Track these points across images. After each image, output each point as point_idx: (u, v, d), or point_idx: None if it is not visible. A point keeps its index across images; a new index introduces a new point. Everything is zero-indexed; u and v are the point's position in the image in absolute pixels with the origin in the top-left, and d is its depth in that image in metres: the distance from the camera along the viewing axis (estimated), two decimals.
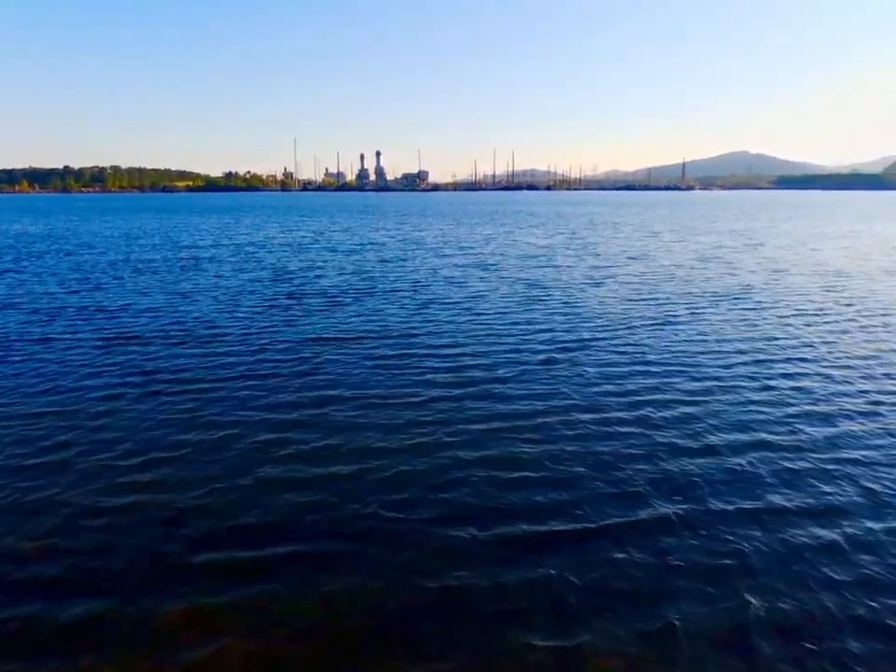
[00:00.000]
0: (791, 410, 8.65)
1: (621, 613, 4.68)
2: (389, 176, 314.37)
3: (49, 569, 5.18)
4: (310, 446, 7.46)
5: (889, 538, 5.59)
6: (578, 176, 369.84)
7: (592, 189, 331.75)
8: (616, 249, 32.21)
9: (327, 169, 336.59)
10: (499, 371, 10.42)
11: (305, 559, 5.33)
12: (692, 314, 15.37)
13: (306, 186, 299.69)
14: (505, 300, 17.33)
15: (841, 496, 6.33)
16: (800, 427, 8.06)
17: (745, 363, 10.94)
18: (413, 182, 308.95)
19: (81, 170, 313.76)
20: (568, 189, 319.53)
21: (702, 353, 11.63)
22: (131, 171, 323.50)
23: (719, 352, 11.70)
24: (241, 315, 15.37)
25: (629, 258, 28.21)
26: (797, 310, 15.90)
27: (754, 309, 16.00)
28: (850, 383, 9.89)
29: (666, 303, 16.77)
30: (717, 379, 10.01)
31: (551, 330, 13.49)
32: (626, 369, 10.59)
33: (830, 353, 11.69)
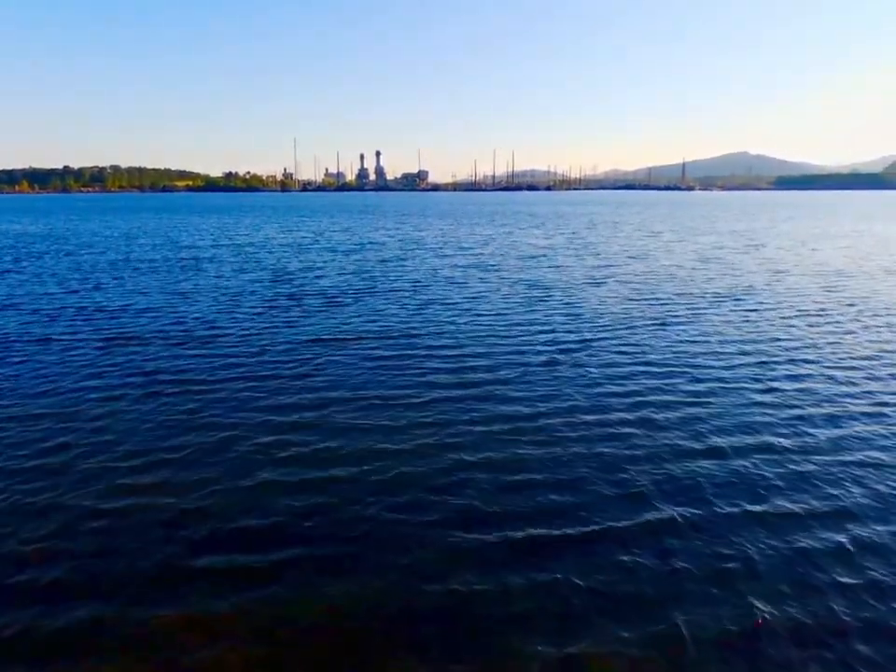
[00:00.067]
0: (795, 411, 8.61)
1: (626, 617, 4.64)
2: (389, 176, 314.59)
3: (50, 573, 5.13)
4: (311, 448, 7.42)
5: None
6: (578, 176, 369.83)
7: (592, 189, 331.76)
8: (617, 249, 32.17)
9: (326, 169, 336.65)
10: (501, 372, 10.38)
11: (307, 562, 5.29)
12: (693, 314, 15.33)
13: (306, 186, 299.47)
14: (506, 300, 17.29)
15: (847, 498, 6.28)
16: (804, 428, 8.02)
17: (748, 364, 10.90)
18: (413, 182, 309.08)
19: (81, 170, 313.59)
20: (568, 188, 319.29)
21: (704, 353, 11.59)
22: (130, 171, 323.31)
23: (721, 353, 11.65)
24: (241, 315, 15.32)
25: (630, 258, 28.18)
26: (800, 310, 15.86)
27: (756, 309, 15.96)
28: (855, 383, 9.84)
29: (668, 304, 16.73)
30: (720, 380, 9.97)
31: (552, 331, 13.46)
32: (629, 369, 10.55)
33: (833, 353, 11.65)
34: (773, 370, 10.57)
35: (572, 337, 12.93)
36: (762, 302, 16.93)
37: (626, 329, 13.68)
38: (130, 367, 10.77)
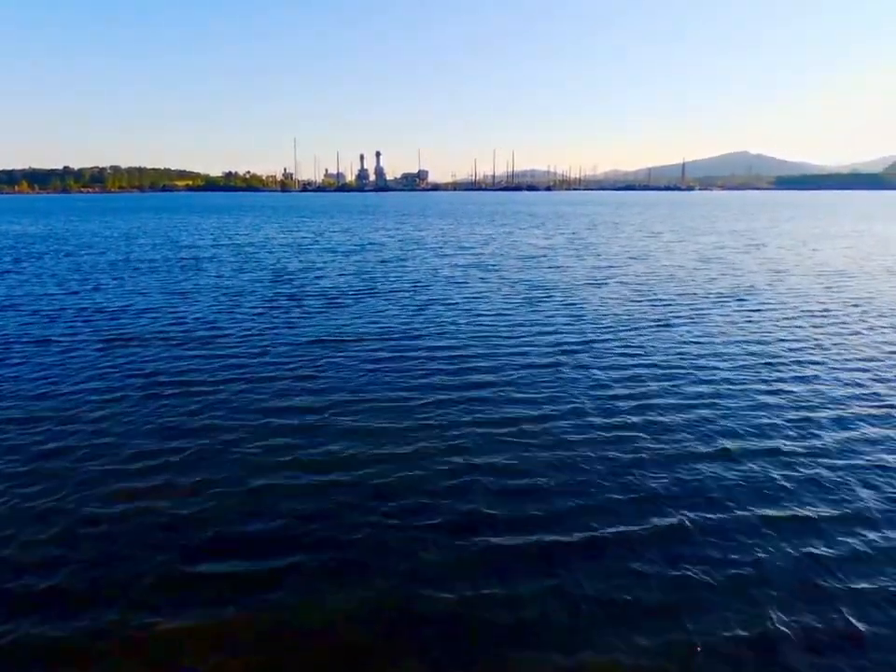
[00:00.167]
0: (803, 413, 8.51)
1: (635, 624, 4.54)
2: (389, 176, 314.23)
3: (50, 578, 5.04)
4: (312, 451, 7.33)
5: None
6: (578, 176, 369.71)
7: (592, 190, 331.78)
8: (618, 249, 32.10)
9: (326, 169, 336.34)
10: (505, 374, 10.29)
11: (309, 568, 5.20)
12: (697, 314, 15.25)
13: (306, 186, 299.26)
14: (507, 300, 17.21)
15: (857, 501, 6.19)
16: (812, 430, 7.93)
17: (753, 365, 10.81)
18: (413, 182, 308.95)
19: (81, 170, 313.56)
20: (568, 189, 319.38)
21: (709, 355, 11.50)
22: (130, 171, 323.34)
23: (726, 354, 11.56)
24: (241, 316, 15.25)
25: (631, 258, 28.10)
26: (803, 311, 15.77)
27: (759, 310, 15.89)
28: (861, 385, 9.75)
29: (670, 304, 16.65)
30: (726, 381, 9.87)
31: (555, 332, 13.37)
32: (633, 371, 10.45)
33: (839, 354, 11.56)
34: (779, 371, 10.48)
35: (575, 338, 12.84)
36: (765, 303, 16.85)
37: (629, 329, 13.60)
38: (130, 368, 10.69)
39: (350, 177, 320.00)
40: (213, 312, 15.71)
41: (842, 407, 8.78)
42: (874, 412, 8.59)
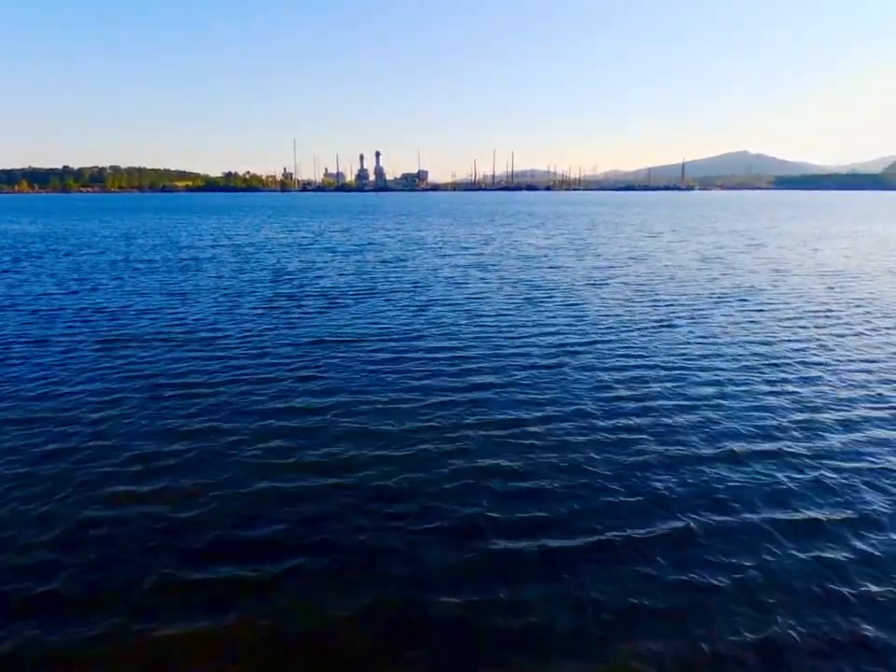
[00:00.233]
0: (808, 415, 8.45)
1: (643, 631, 4.48)
2: (389, 176, 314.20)
3: (47, 584, 4.98)
4: (313, 454, 7.27)
5: None
6: (577, 177, 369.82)
7: (591, 190, 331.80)
8: (618, 250, 32.04)
9: (326, 169, 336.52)
10: (507, 375, 10.23)
11: (309, 574, 5.13)
12: (700, 315, 15.19)
13: (306, 186, 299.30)
14: (508, 301, 17.15)
15: (866, 504, 6.13)
16: (819, 432, 7.86)
17: (757, 366, 10.74)
18: (413, 182, 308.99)
19: (81, 170, 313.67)
20: (568, 189, 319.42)
21: (713, 355, 11.43)
22: (130, 171, 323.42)
23: (730, 354, 11.50)
24: (241, 316, 15.19)
25: (633, 258, 28.03)
26: (807, 311, 15.70)
27: (762, 310, 15.83)
28: (867, 386, 9.68)
29: (673, 304, 16.59)
30: (731, 383, 9.79)
31: (557, 333, 13.30)
32: (637, 372, 10.38)
33: (844, 355, 11.49)
34: (783, 371, 10.42)
35: (577, 338, 12.79)
36: (767, 303, 16.79)
37: (632, 330, 13.55)
38: (129, 369, 10.63)
39: (350, 177, 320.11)
40: (213, 312, 15.66)
41: (847, 409, 8.71)
42: (879, 413, 8.53)
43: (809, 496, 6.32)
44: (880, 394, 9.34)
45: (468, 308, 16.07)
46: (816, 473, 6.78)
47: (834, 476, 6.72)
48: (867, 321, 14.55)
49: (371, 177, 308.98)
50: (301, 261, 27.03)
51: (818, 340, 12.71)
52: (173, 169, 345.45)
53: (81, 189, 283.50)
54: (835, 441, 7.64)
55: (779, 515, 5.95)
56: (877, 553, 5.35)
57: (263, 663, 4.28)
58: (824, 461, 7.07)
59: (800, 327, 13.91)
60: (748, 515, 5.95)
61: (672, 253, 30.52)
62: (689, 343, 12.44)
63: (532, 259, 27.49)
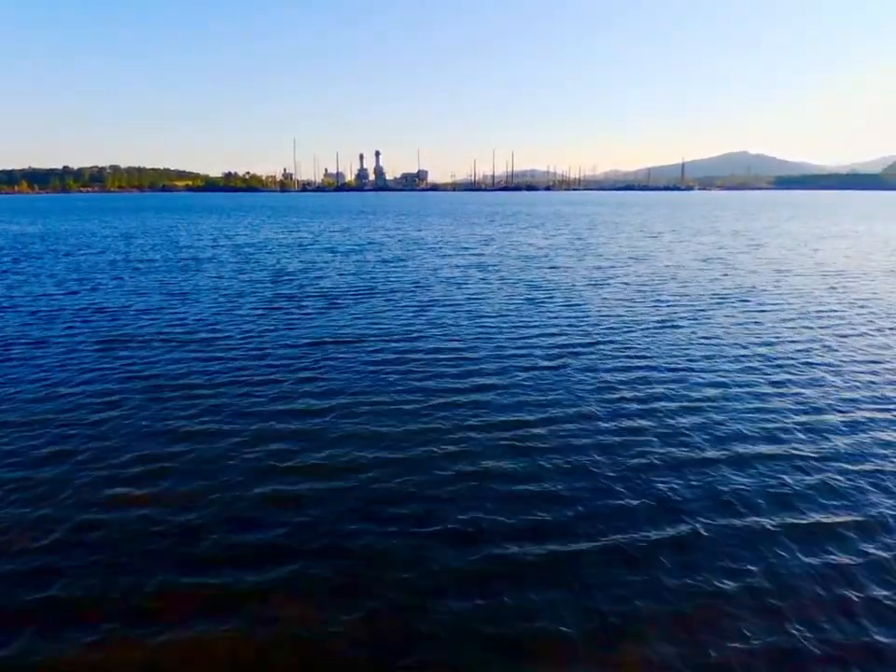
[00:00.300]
0: (814, 416, 8.38)
1: (650, 637, 4.42)
2: (388, 176, 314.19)
3: (44, 591, 4.91)
4: (314, 457, 7.20)
5: None
6: (577, 177, 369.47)
7: (591, 190, 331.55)
8: (619, 250, 31.99)
9: (326, 169, 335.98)
10: (509, 376, 10.16)
11: (310, 580, 5.06)
12: (702, 315, 15.13)
13: (305, 186, 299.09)
14: (509, 301, 17.10)
15: (873, 507, 6.06)
16: (825, 434, 7.80)
17: (761, 367, 10.66)
18: (413, 182, 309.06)
19: (80, 170, 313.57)
20: (568, 189, 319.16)
21: (717, 356, 11.36)
22: (130, 171, 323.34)
23: (734, 355, 11.43)
24: (241, 317, 15.13)
25: (635, 259, 27.96)
26: (809, 312, 15.63)
27: (764, 311, 15.77)
28: (872, 387, 9.62)
29: (675, 305, 16.53)
30: (735, 384, 9.73)
31: (560, 334, 13.22)
32: (641, 373, 10.30)
33: (848, 356, 11.42)
34: (788, 373, 10.34)
35: (580, 339, 12.72)
36: (770, 304, 16.73)
37: (634, 330, 13.49)
38: (129, 370, 10.58)
39: (350, 177, 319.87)
40: (213, 313, 15.61)
41: (851, 410, 8.65)
42: (884, 415, 8.46)
43: (816, 498, 6.26)
44: (885, 395, 9.28)
45: (469, 309, 16.01)
46: (822, 475, 6.72)
47: (841, 478, 6.66)
48: (870, 321, 14.49)
49: (371, 177, 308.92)
50: (300, 262, 26.97)
51: (820, 340, 12.65)
52: (173, 169, 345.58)
53: (81, 189, 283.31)
54: (841, 442, 7.57)
55: (786, 518, 5.89)
56: (886, 557, 5.29)
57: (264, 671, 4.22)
58: (830, 463, 7.01)
59: (803, 327, 13.86)
60: (754, 518, 5.89)
61: (673, 253, 30.47)
62: (692, 343, 12.38)
63: (533, 260, 27.44)
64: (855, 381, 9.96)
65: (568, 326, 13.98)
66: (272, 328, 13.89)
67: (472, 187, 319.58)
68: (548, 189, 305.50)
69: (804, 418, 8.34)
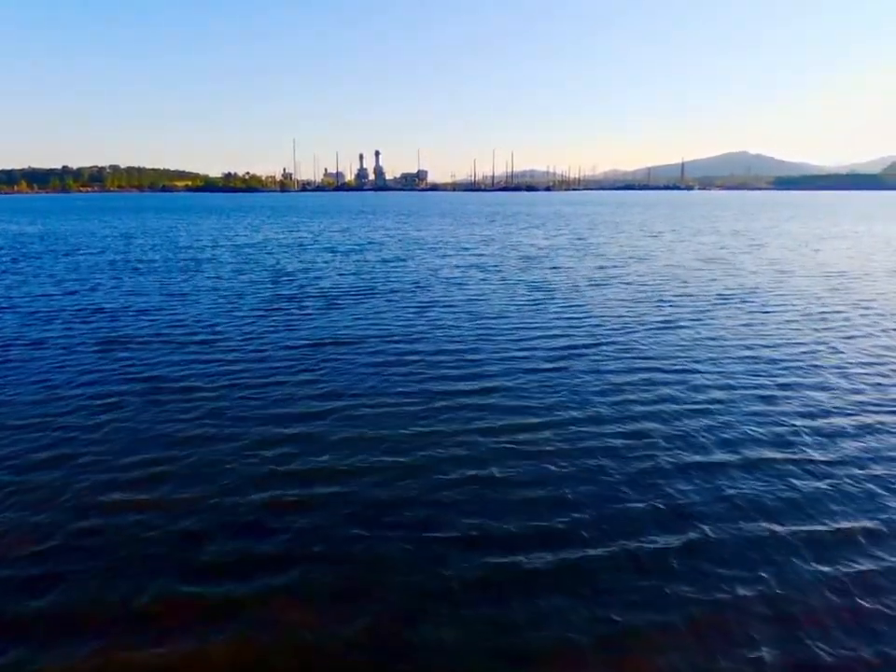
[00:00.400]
0: (825, 419, 8.26)
1: (662, 646, 4.31)
2: (388, 176, 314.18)
3: (38, 600, 4.80)
4: (314, 461, 7.07)
5: None
6: (577, 176, 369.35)
7: (591, 190, 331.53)
8: (620, 250, 31.91)
9: (326, 169, 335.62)
10: (512, 378, 10.05)
11: (311, 588, 4.94)
12: (707, 316, 15.01)
13: (305, 186, 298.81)
14: (510, 301, 17.00)
15: (891, 514, 5.93)
16: (835, 437, 7.68)
17: (769, 369, 10.54)
18: (412, 182, 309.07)
19: (80, 170, 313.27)
20: (568, 189, 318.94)
21: (723, 358, 11.25)
22: (130, 171, 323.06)
23: (740, 357, 11.32)
24: (241, 318, 15.04)
25: (636, 259, 27.87)
26: (814, 313, 15.52)
27: (767, 312, 15.66)
28: (881, 389, 9.51)
29: (679, 305, 16.42)
30: (743, 386, 9.60)
31: (562, 335, 13.10)
32: (646, 375, 10.18)
33: (855, 358, 11.29)
34: (795, 375, 10.22)
35: (583, 340, 12.61)
36: (773, 304, 16.63)
37: (638, 331, 13.38)
38: (128, 372, 10.47)
39: (349, 177, 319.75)
40: (212, 314, 15.51)
41: (860, 412, 8.54)
42: (894, 418, 8.34)
43: (827, 503, 6.15)
44: (894, 398, 9.17)
45: (470, 309, 15.92)
46: (832, 479, 6.61)
47: (851, 482, 6.55)
48: (875, 323, 14.39)
49: (371, 177, 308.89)
50: (300, 262, 26.88)
51: (826, 342, 12.54)
52: (172, 169, 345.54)
53: (81, 188, 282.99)
54: (850, 445, 7.47)
55: (797, 523, 5.79)
56: None
57: None
58: (840, 467, 6.90)
59: (808, 328, 13.75)
60: (764, 523, 5.78)
61: (674, 253, 30.40)
62: (696, 344, 12.29)
63: (533, 260, 27.36)
64: (863, 383, 9.86)
65: (570, 326, 13.89)
66: (271, 328, 13.80)
67: (472, 187, 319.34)
68: (548, 189, 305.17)
69: (812, 421, 8.23)
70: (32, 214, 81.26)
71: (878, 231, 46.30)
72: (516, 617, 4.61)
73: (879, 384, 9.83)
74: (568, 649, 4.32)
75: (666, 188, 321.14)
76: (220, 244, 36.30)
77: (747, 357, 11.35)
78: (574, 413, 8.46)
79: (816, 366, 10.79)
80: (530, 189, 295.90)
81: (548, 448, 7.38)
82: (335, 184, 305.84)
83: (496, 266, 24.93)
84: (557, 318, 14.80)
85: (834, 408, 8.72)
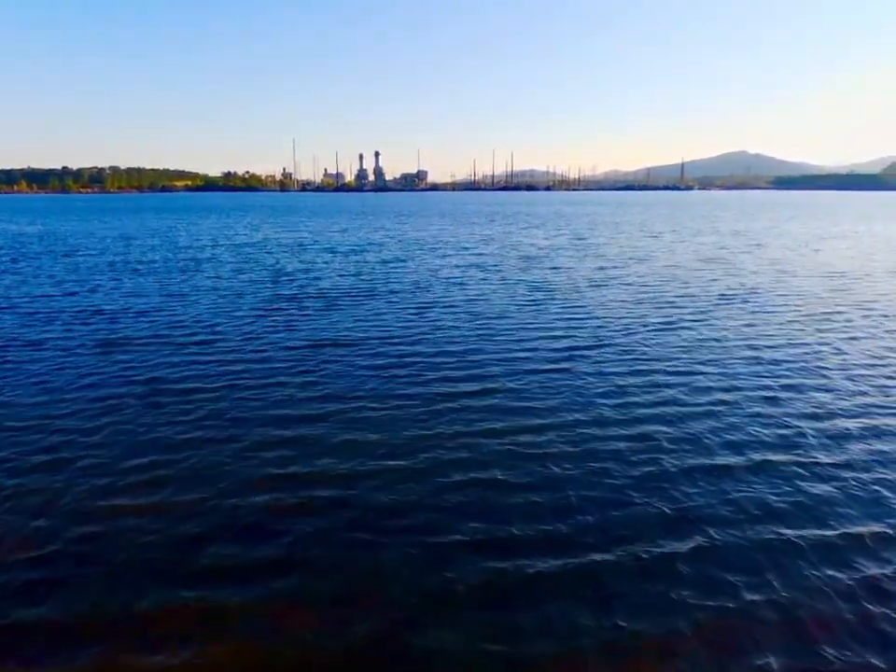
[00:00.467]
0: (831, 421, 8.21)
1: (670, 653, 4.25)
2: (388, 176, 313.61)
3: (36, 607, 4.75)
4: (314, 465, 7.00)
5: None
6: (577, 177, 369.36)
7: (591, 190, 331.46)
8: (620, 250, 31.84)
9: (325, 169, 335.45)
10: (515, 379, 9.98)
11: (311, 595, 4.89)
12: (710, 317, 14.94)
13: (305, 186, 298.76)
14: (511, 302, 16.93)
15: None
16: (843, 440, 7.63)
17: (773, 370, 10.47)
18: (412, 182, 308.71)
19: (80, 170, 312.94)
20: (567, 189, 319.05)
21: (726, 359, 11.19)
22: (130, 171, 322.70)
23: (744, 357, 11.26)
24: (241, 318, 14.97)
25: (637, 260, 27.81)
26: (817, 313, 15.45)
27: (769, 312, 15.60)
28: (886, 391, 9.44)
29: (680, 306, 16.35)
30: (748, 388, 9.53)
31: (564, 336, 13.03)
32: (649, 377, 10.12)
33: (860, 360, 11.22)
34: (800, 376, 10.15)
35: (585, 341, 12.54)
36: (774, 305, 16.57)
37: (640, 332, 13.32)
38: (128, 373, 10.40)
39: (349, 177, 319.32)
40: (212, 314, 15.45)
41: (866, 414, 8.48)
42: None
43: (834, 506, 6.09)
44: None
45: (470, 310, 15.85)
46: (839, 483, 6.55)
47: (859, 485, 6.49)
48: (878, 323, 14.33)
49: (371, 177, 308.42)
50: (300, 262, 26.82)
51: (830, 343, 12.47)
52: (172, 169, 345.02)
53: (80, 189, 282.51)
54: (857, 448, 7.40)
55: (804, 527, 5.73)
56: None
57: None
58: (847, 470, 6.84)
59: (810, 329, 13.69)
60: (771, 527, 5.72)
61: (674, 253, 30.34)
62: (699, 345, 12.22)
63: (534, 260, 27.29)
64: (867, 384, 9.80)
65: (572, 327, 13.83)
66: (271, 329, 13.74)
67: (472, 187, 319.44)
68: (548, 188, 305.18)
69: (817, 423, 8.17)
70: (31, 214, 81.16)
71: (878, 231, 46.23)
72: (520, 622, 4.56)
73: (884, 385, 9.77)
74: (574, 654, 4.27)
75: (666, 188, 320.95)
76: (220, 243, 36.24)
77: (749, 357, 11.29)
78: (577, 415, 8.40)
79: (819, 367, 10.73)
80: (530, 188, 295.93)
81: (551, 450, 7.31)
82: (335, 184, 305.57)
83: (496, 266, 24.87)
84: (558, 319, 14.73)
85: (839, 409, 8.65)
